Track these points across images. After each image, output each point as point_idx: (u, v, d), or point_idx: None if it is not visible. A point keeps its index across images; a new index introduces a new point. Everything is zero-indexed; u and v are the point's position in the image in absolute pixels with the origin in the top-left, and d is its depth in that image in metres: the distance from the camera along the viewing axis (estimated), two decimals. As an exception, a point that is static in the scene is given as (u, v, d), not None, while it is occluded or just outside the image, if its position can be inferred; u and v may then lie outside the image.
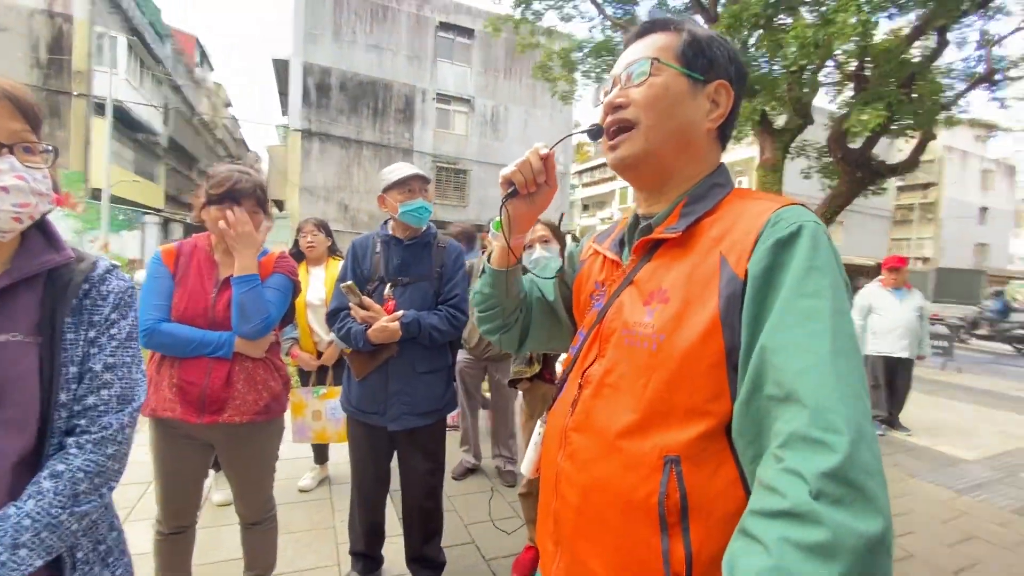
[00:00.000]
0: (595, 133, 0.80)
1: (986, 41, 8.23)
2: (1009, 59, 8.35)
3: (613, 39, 10.60)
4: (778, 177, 9.15)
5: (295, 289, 1.81)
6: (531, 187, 0.86)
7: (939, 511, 3.20)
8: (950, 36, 7.99)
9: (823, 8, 7.94)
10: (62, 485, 0.79)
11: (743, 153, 23.14)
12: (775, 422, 0.56)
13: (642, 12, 10.98)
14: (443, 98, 16.66)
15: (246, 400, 1.65)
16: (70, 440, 0.84)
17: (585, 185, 38.61)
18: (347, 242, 3.14)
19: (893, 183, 21.13)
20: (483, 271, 0.98)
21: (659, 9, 10.41)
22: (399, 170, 2.00)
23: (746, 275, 0.64)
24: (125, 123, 15.11)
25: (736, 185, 0.80)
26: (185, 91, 20.31)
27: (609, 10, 10.63)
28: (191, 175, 21.42)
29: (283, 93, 16.47)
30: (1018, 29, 8.24)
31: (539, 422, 0.99)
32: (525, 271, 1.04)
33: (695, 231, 0.73)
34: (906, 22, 8.31)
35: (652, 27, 0.80)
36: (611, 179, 35.44)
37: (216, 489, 2.75)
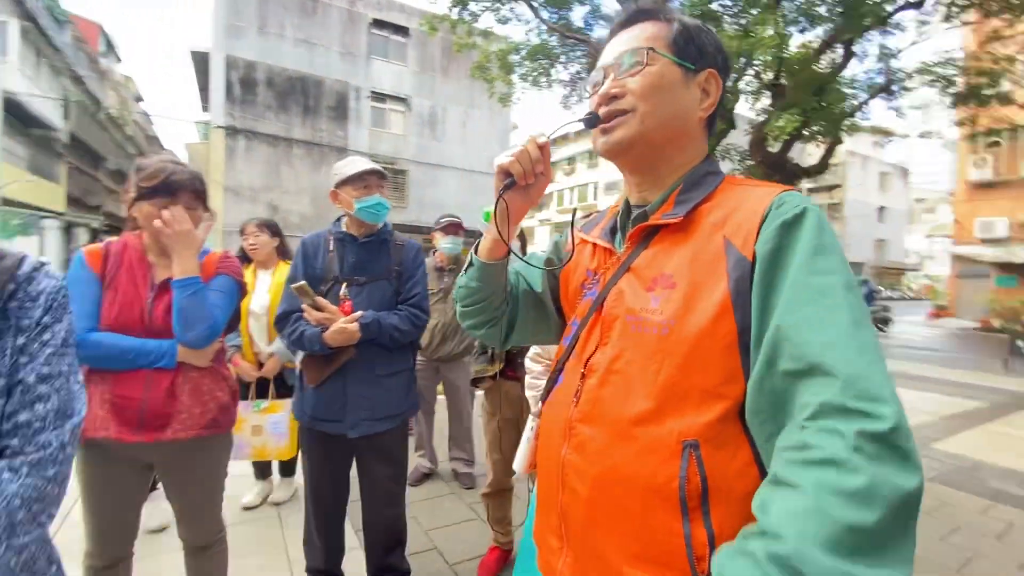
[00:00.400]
0: (591, 121, 0.79)
1: (885, 55, 9.14)
2: (904, 71, 9.30)
3: (549, 43, 10.79)
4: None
5: (241, 291, 1.68)
6: (529, 178, 0.83)
7: (863, 482, 3.49)
8: (854, 49, 8.78)
9: (743, 21, 8.52)
10: None
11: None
12: (799, 395, 0.57)
13: (576, 17, 11.28)
14: (378, 96, 16.25)
15: (192, 413, 1.51)
16: (2, 463, 0.72)
17: (523, 187, 39.08)
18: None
19: (804, 184, 23.13)
20: (470, 264, 0.94)
21: (593, 17, 10.74)
22: (354, 164, 1.92)
23: (754, 256, 0.64)
24: (18, 117, 13.54)
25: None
26: (88, 83, 18.49)
27: (544, 14, 10.81)
28: (97, 175, 19.53)
29: (203, 88, 15.42)
30: (913, 44, 9.21)
31: (531, 417, 0.97)
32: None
33: (694, 217, 0.73)
34: (814, 36, 9.05)
35: (639, 16, 0.80)
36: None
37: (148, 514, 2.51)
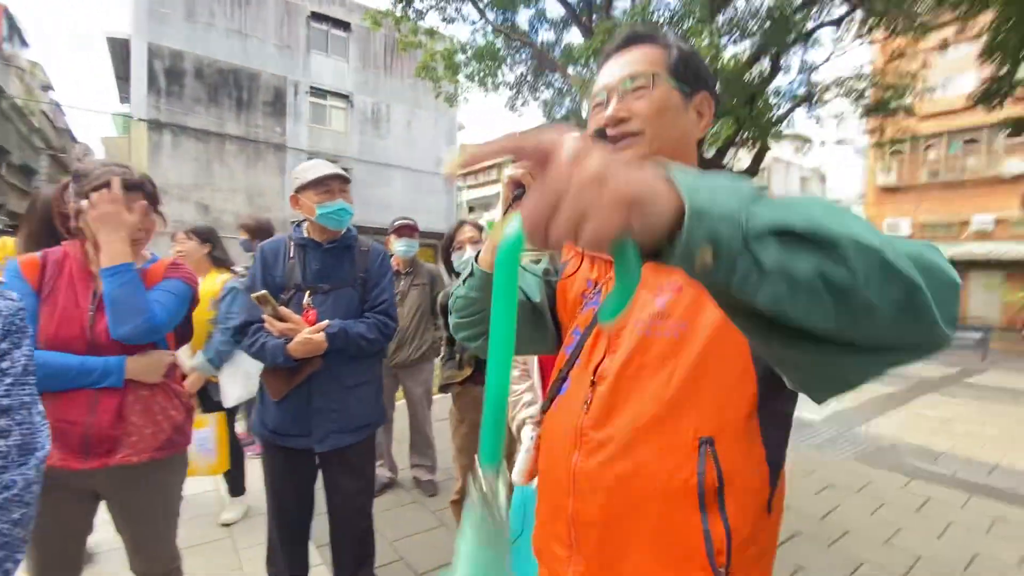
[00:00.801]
0: (600, 135, 0.80)
1: (806, 68, 9.85)
2: (823, 84, 10.08)
3: (495, 44, 10.81)
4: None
5: (194, 296, 1.57)
6: None
7: (802, 466, 3.76)
8: (780, 63, 9.42)
9: (679, 31, 8.92)
10: None
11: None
12: None
13: (522, 20, 11.36)
14: (318, 92, 15.64)
15: (143, 435, 1.40)
16: None
17: (471, 187, 38.83)
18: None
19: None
20: (470, 274, 0.92)
21: (539, 20, 10.86)
22: (315, 168, 1.84)
23: None
24: None
25: None
26: (-16, 68, 16.59)
27: (490, 15, 10.82)
28: (-3, 171, 17.56)
29: (122, 77, 14.24)
30: (829, 58, 9.98)
31: (530, 427, 0.97)
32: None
33: None
34: (744, 48, 9.62)
35: (636, 39, 0.82)
36: (495, 181, 36.08)
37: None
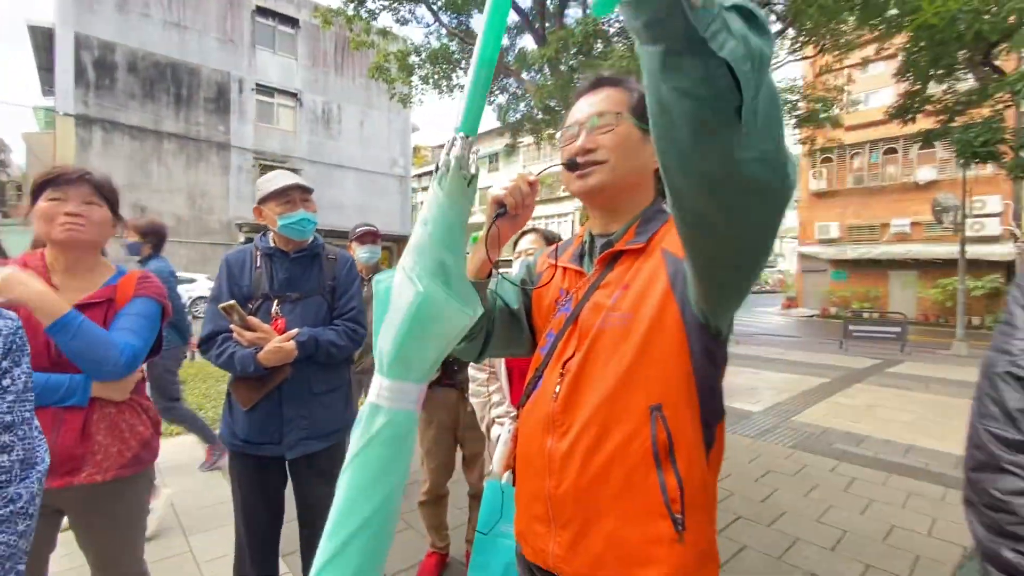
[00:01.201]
0: (571, 165, 0.95)
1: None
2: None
3: (449, 47, 10.84)
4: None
5: (164, 312, 1.56)
6: (519, 208, 0.94)
7: (744, 455, 4.05)
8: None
9: (629, 41, 9.27)
10: None
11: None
12: None
13: (476, 24, 11.45)
14: (265, 90, 15.13)
15: (109, 453, 1.39)
16: None
17: (425, 189, 38.42)
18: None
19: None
20: None
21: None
22: (277, 180, 1.86)
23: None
24: None
25: None
26: None
27: (444, 18, 10.84)
28: None
29: (45, 68, 13.24)
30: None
31: (508, 421, 1.07)
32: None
33: (650, 242, 0.92)
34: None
35: (602, 82, 0.97)
36: (449, 182, 35.68)
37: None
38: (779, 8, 9.36)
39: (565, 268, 1.04)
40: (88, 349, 1.27)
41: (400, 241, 17.03)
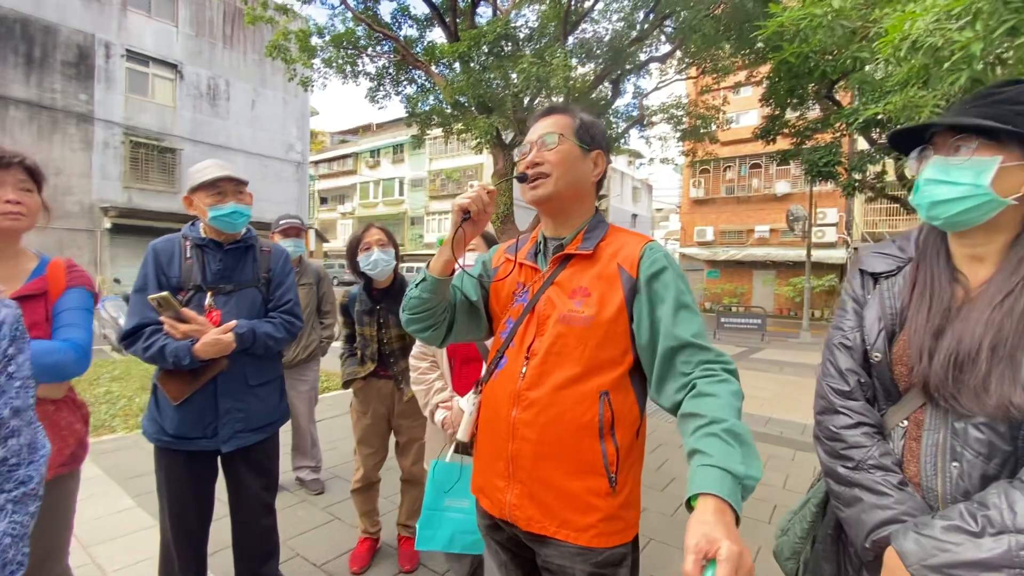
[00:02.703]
0: (522, 178, 1.15)
1: (638, 94, 11.33)
2: (651, 109, 11.70)
3: (355, 31, 10.45)
4: (508, 185, 10.70)
5: (96, 301, 1.49)
6: (481, 215, 1.12)
7: (640, 433, 4.53)
8: (620, 88, 10.72)
9: (537, 46, 9.66)
10: None
11: (473, 160, 25.62)
12: (682, 357, 0.99)
13: (384, 11, 11.17)
14: (138, 57, 13.40)
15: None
16: None
17: (323, 177, 36.28)
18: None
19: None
20: (423, 279, 1.16)
21: (402, 15, 10.77)
22: (207, 170, 1.82)
23: (638, 276, 1.06)
24: None
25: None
26: None
27: (351, 1, 10.44)
28: None
29: None
30: (658, 87, 11.62)
31: (472, 394, 1.22)
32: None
33: (597, 249, 1.12)
34: (589, 70, 10.76)
35: (553, 110, 1.18)
36: (351, 172, 34.32)
37: None
38: (668, 31, 10.32)
39: (522, 264, 1.22)
40: (40, 362, 1.21)
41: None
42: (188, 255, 1.81)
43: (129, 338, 1.71)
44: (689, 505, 0.78)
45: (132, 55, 13.24)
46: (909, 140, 0.97)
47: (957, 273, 0.92)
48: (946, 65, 3.56)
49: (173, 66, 14.03)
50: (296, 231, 3.03)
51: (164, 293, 1.65)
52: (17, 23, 11.34)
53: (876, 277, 1.00)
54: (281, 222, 3.01)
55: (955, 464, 0.85)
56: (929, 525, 0.81)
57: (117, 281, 12.78)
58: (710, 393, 0.92)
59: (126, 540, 2.50)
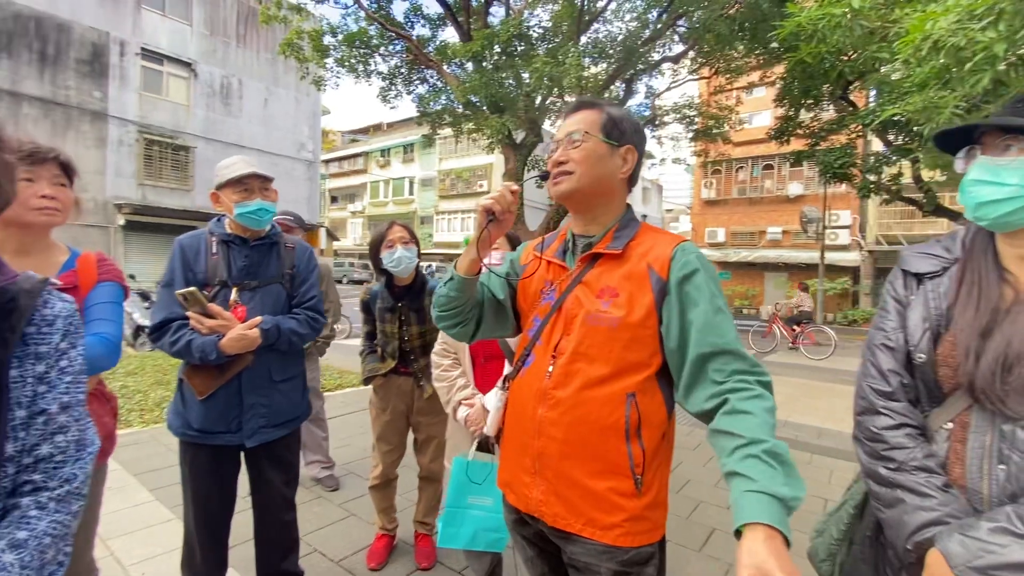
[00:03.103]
0: (544, 176, 1.15)
1: (651, 94, 11.29)
2: (664, 109, 11.65)
3: (368, 31, 10.49)
4: (519, 185, 10.70)
5: (125, 294, 1.51)
6: (505, 214, 1.12)
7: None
8: (633, 87, 10.68)
9: (550, 45, 9.65)
10: (28, 556, 0.66)
11: (483, 160, 25.63)
12: (714, 364, 0.97)
13: (397, 10, 11.21)
14: (153, 56, 13.55)
15: None
16: (25, 500, 0.70)
17: (333, 176, 36.45)
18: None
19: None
20: (451, 278, 1.16)
21: (415, 14, 10.80)
22: (235, 167, 1.83)
23: (668, 278, 1.04)
24: None
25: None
26: None
27: (365, 1, 10.48)
28: None
29: None
30: (670, 87, 11.56)
31: (498, 389, 1.22)
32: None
33: (626, 249, 1.10)
34: (601, 70, 10.73)
35: (582, 105, 1.16)
36: (362, 171, 34.47)
37: None
38: (682, 31, 10.27)
39: (550, 262, 1.20)
40: None
41: (308, 229, 16.15)
42: (214, 251, 1.82)
43: (156, 332, 1.73)
44: (737, 532, 0.77)
45: (147, 53, 13.40)
46: (955, 140, 0.96)
47: (1006, 273, 0.90)
48: (968, 66, 3.52)
49: (187, 64, 14.18)
50: (288, 229, 3.02)
51: (191, 288, 1.67)
52: (32, 20, 11.49)
53: (920, 277, 0.98)
54: (276, 218, 3.01)
55: (1002, 467, 0.84)
56: (975, 527, 0.80)
57: (132, 277, 12.92)
58: (745, 411, 0.90)
59: (144, 533, 2.52)
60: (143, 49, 13.31)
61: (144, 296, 8.56)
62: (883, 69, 5.46)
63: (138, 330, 7.81)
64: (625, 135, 1.12)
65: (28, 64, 11.47)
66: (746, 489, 0.81)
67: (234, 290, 1.80)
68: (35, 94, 11.61)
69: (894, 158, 8.75)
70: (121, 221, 13.07)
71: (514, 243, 1.91)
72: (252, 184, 1.82)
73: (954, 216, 9.01)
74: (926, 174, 8.65)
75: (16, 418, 0.68)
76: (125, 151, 13.15)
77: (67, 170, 1.33)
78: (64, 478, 0.73)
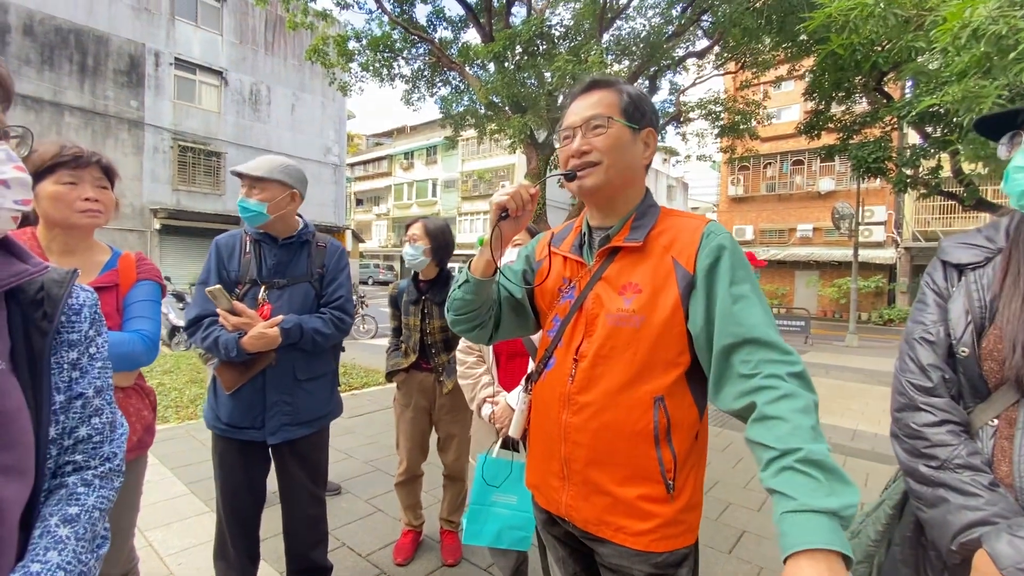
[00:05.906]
0: (569, 176, 1.03)
1: (675, 90, 11.11)
2: (688, 105, 11.46)
3: (391, 35, 10.62)
4: (542, 184, 10.69)
5: (163, 292, 1.56)
6: (520, 212, 1.05)
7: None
8: (656, 84, 10.55)
9: (572, 43, 9.61)
10: (82, 529, 0.70)
11: (505, 160, 25.68)
12: (739, 355, 0.89)
13: (419, 14, 11.29)
14: (186, 65, 14.02)
15: None
16: (71, 479, 0.73)
17: (358, 179, 37.02)
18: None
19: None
20: (465, 281, 1.11)
21: (437, 17, 10.89)
22: (245, 164, 1.87)
23: (695, 269, 0.96)
24: None
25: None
26: None
27: (388, 5, 10.63)
28: None
29: (-88, 21, 11.48)
30: (695, 83, 11.36)
31: (521, 392, 1.20)
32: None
33: (647, 240, 1.01)
34: (624, 67, 10.62)
35: (595, 85, 1.04)
36: (386, 174, 34.94)
37: None
38: (706, 26, 10.09)
39: (566, 257, 1.12)
40: (112, 352, 1.26)
41: (334, 231, 16.47)
42: (247, 250, 1.87)
43: (191, 327, 1.78)
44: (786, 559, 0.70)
45: (180, 63, 13.86)
46: (998, 125, 0.91)
47: None
48: (1012, 55, 3.35)
49: (218, 73, 14.61)
50: None
51: (217, 286, 1.71)
52: (71, 33, 12.01)
53: (961, 269, 0.94)
54: None
55: (1053, 466, 0.79)
56: (1024, 527, 0.76)
57: (168, 279, 13.39)
58: (774, 416, 0.81)
59: (180, 525, 2.60)
60: (177, 59, 13.77)
61: (179, 298, 8.85)
62: (920, 59, 5.26)
63: (173, 330, 8.08)
64: (646, 116, 1.03)
65: (69, 75, 12.01)
66: (785, 510, 0.72)
67: (262, 288, 1.85)
68: (76, 104, 12.14)
69: (932, 151, 8.41)
70: (157, 225, 13.55)
71: (533, 236, 1.90)
72: (244, 181, 1.83)
73: (996, 210, 8.61)
74: (967, 167, 8.28)
75: (56, 402, 0.72)
76: (160, 158, 13.64)
77: (108, 173, 1.38)
78: (104, 456, 0.76)
